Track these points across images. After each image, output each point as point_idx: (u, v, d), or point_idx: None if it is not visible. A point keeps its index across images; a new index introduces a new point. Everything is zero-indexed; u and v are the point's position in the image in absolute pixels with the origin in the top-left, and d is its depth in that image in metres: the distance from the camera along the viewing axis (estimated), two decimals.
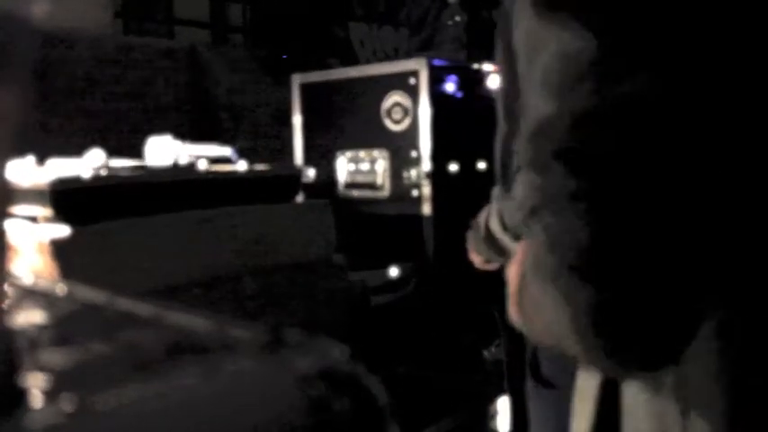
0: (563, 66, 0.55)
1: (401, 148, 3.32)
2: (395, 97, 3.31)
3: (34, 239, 1.77)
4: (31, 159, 1.94)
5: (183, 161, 2.23)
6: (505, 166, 1.31)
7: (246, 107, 6.23)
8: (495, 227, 1.39)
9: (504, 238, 1.37)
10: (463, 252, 1.53)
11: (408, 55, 5.56)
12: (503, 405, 2.66)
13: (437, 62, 3.35)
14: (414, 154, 3.27)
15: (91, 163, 2.06)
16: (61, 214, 1.83)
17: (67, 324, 0.47)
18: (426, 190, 3.25)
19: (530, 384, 1.50)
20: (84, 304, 0.51)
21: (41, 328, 0.45)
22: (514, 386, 2.27)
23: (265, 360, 0.37)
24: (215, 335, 0.41)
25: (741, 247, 0.58)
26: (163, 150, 2.22)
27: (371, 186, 3.44)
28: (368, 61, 5.97)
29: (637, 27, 0.54)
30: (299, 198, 2.53)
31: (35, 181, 1.87)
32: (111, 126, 5.39)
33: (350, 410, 0.35)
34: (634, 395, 0.68)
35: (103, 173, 2.01)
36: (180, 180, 2.18)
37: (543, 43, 0.57)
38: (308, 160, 3.64)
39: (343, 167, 3.54)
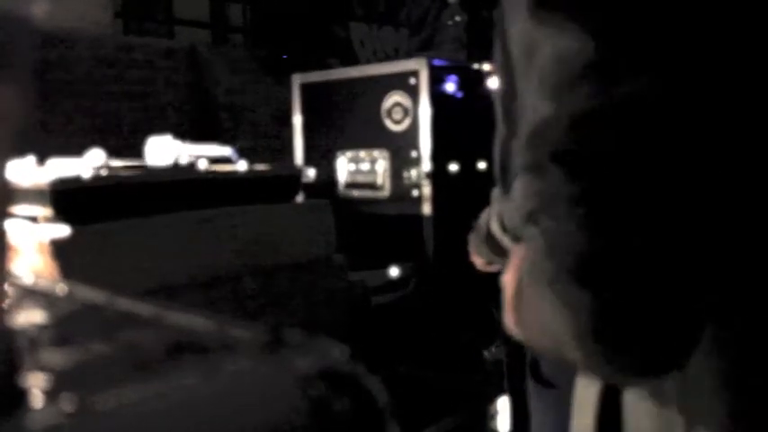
0: (560, 67, 0.55)
1: (401, 148, 3.32)
2: (395, 97, 3.31)
3: (34, 239, 1.77)
4: (31, 159, 1.94)
5: (183, 161, 2.23)
6: (504, 167, 1.31)
7: (246, 107, 6.22)
8: (496, 228, 1.38)
9: (505, 240, 1.37)
10: (463, 252, 1.53)
11: (408, 55, 5.56)
12: (503, 405, 2.65)
13: (437, 62, 3.35)
14: (414, 154, 3.27)
15: (91, 163, 2.06)
16: (61, 214, 1.83)
17: (67, 324, 0.47)
18: (426, 190, 3.25)
19: (530, 384, 1.50)
20: (84, 304, 0.51)
21: (41, 328, 0.45)
22: (514, 386, 2.27)
23: (265, 360, 0.37)
24: (215, 335, 0.41)
25: (741, 248, 0.58)
26: (163, 150, 2.22)
27: (372, 186, 3.44)
28: (368, 61, 5.96)
29: (635, 27, 0.53)
30: (300, 198, 2.52)
31: (35, 181, 1.86)
32: (111, 126, 5.38)
33: (350, 410, 0.35)
34: (635, 402, 0.67)
35: (103, 173, 2.01)
36: (180, 180, 2.18)
37: (539, 45, 0.57)
38: (309, 160, 3.64)
39: (344, 167, 3.54)
